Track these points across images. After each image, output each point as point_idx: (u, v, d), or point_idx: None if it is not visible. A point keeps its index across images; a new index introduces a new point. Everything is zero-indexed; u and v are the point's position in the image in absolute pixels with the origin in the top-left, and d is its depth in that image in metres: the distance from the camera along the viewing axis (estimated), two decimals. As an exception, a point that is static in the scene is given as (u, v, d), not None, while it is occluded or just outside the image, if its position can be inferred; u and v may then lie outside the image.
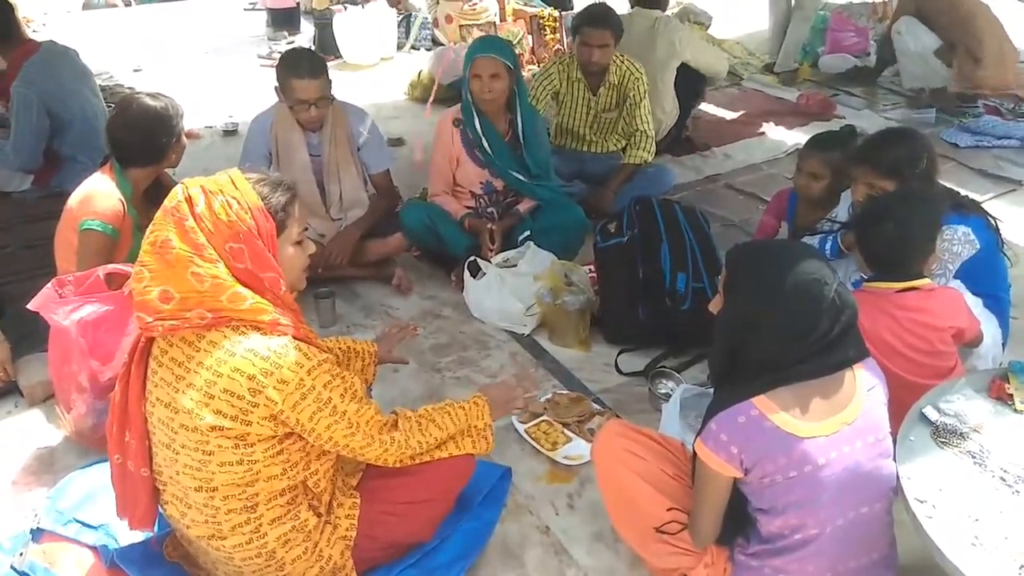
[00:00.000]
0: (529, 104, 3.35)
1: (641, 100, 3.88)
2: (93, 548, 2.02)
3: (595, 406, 2.60)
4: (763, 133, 5.11)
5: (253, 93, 4.99)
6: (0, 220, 3.92)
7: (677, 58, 4.56)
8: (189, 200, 1.70)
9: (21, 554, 2.04)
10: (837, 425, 1.64)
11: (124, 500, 1.87)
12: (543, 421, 2.53)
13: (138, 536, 2.00)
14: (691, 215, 3.01)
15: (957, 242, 2.38)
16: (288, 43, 7.50)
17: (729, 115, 5.47)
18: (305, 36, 7.63)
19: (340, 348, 2.29)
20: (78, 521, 2.09)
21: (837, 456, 1.63)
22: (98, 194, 2.56)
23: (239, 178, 1.73)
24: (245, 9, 9.13)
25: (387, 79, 6.45)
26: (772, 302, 1.62)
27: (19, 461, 2.46)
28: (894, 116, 5.30)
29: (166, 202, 1.74)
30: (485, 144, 3.25)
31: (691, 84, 4.87)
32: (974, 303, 2.46)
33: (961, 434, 1.86)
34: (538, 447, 2.43)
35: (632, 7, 4.73)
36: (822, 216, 2.77)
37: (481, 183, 3.38)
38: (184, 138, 2.78)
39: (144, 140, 2.60)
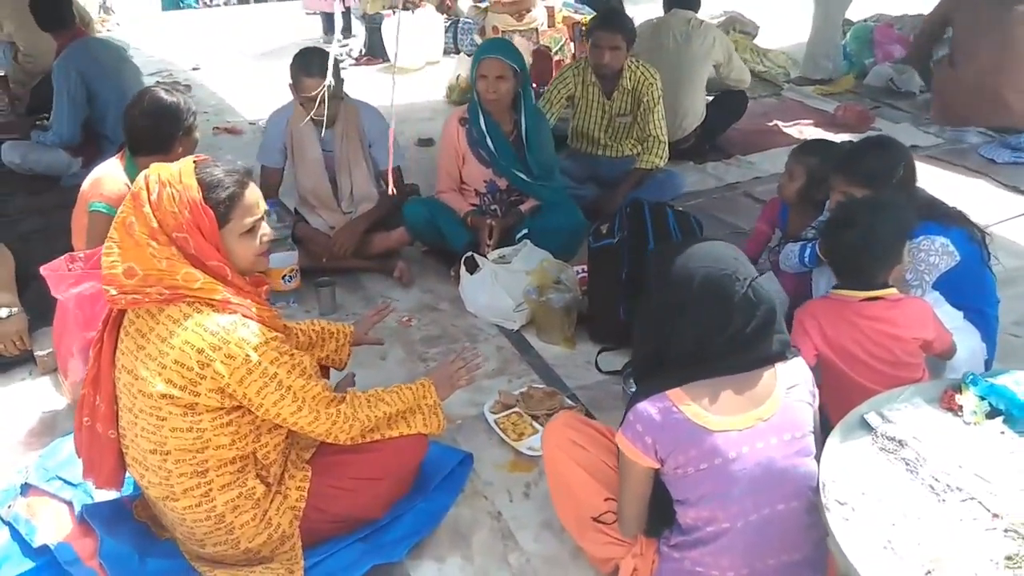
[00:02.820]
0: (534, 106, 3.42)
1: (655, 105, 3.90)
2: (69, 503, 2.16)
3: (568, 401, 2.64)
4: (792, 144, 5.03)
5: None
6: (44, 205, 4.18)
7: (711, 59, 4.62)
8: (147, 187, 1.83)
9: (9, 506, 2.21)
10: (751, 420, 1.66)
11: (91, 461, 2.00)
12: (514, 412, 2.58)
13: (112, 495, 2.14)
14: (682, 219, 3.03)
15: (934, 253, 2.35)
16: (342, 46, 7.75)
17: (762, 124, 5.42)
18: (359, 40, 7.87)
19: (314, 329, 2.39)
20: (60, 478, 2.25)
21: (749, 451, 1.65)
22: (107, 178, 2.73)
23: (188, 171, 1.83)
24: (307, 14, 9.45)
25: (430, 82, 6.61)
26: (683, 298, 1.65)
27: (27, 424, 2.65)
28: (934, 131, 5.18)
29: (133, 186, 1.88)
30: (489, 143, 3.33)
31: (733, 103, 4.91)
32: (952, 315, 2.42)
33: (899, 441, 1.84)
34: (504, 437, 2.49)
35: (667, 10, 4.80)
36: (810, 223, 2.75)
37: (485, 181, 3.46)
38: (195, 134, 2.90)
39: (153, 129, 2.76)
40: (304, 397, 1.89)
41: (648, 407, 1.67)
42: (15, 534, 2.12)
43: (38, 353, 2.88)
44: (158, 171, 1.85)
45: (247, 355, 1.79)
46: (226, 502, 1.91)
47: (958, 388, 1.98)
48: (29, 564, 2.03)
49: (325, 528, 2.06)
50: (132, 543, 2.03)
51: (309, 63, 3.20)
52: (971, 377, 1.98)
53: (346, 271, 3.46)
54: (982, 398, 1.94)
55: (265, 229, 1.97)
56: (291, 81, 3.27)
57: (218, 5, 11.10)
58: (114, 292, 1.82)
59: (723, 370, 1.67)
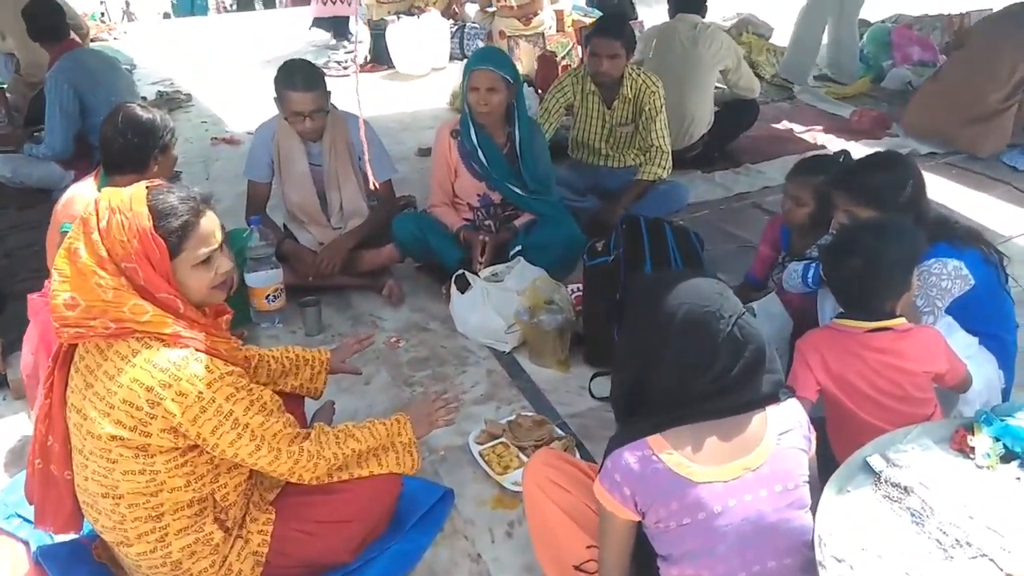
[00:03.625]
0: (529, 118, 3.29)
1: (657, 114, 3.76)
2: (26, 543, 2.06)
3: (558, 431, 2.51)
4: (806, 151, 4.87)
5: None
6: (35, 219, 4.09)
7: (719, 64, 4.49)
8: (97, 212, 1.71)
9: (-32, 543, 2.12)
10: (738, 470, 1.51)
11: (44, 507, 1.89)
12: (500, 443, 2.45)
13: (71, 536, 2.04)
14: (682, 236, 2.88)
15: (947, 277, 2.19)
16: (347, 52, 7.65)
17: (774, 131, 5.26)
18: (364, 46, 7.75)
19: (287, 357, 2.28)
20: (19, 515, 2.15)
21: (736, 505, 1.50)
22: (79, 198, 2.63)
23: (139, 198, 1.71)
24: (311, 27, 9.38)
25: (435, 89, 6.48)
26: (664, 335, 1.51)
27: (-4, 452, 2.56)
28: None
29: (82, 211, 1.77)
30: (481, 156, 3.21)
31: (742, 113, 4.77)
32: (967, 343, 2.27)
33: (905, 488, 1.69)
34: (488, 470, 2.36)
35: (672, 16, 4.67)
36: (814, 242, 2.60)
37: (478, 195, 3.34)
38: (172, 153, 2.79)
39: (126, 147, 2.65)
40: (263, 435, 1.77)
41: (627, 455, 1.53)
42: (-30, 575, 2.03)
43: (12, 377, 2.78)
44: (108, 196, 1.74)
45: (200, 392, 1.68)
46: (182, 548, 1.80)
47: (970, 428, 1.83)
48: (-19, 608, 1.94)
49: (291, 573, 1.94)
50: (89, 587, 1.92)
51: (293, 77, 3.09)
52: (984, 416, 1.83)
53: (334, 289, 3.35)
54: (996, 439, 1.79)
55: (222, 261, 1.83)
56: (275, 95, 3.16)
57: (233, 10, 11.06)
58: (57, 324, 1.71)
59: (707, 414, 1.52)
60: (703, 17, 4.64)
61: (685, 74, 4.43)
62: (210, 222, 1.80)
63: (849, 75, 6.14)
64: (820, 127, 5.26)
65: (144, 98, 6.12)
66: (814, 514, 1.58)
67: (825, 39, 6.19)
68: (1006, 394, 2.36)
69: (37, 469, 1.86)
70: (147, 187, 1.76)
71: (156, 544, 1.78)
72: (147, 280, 1.70)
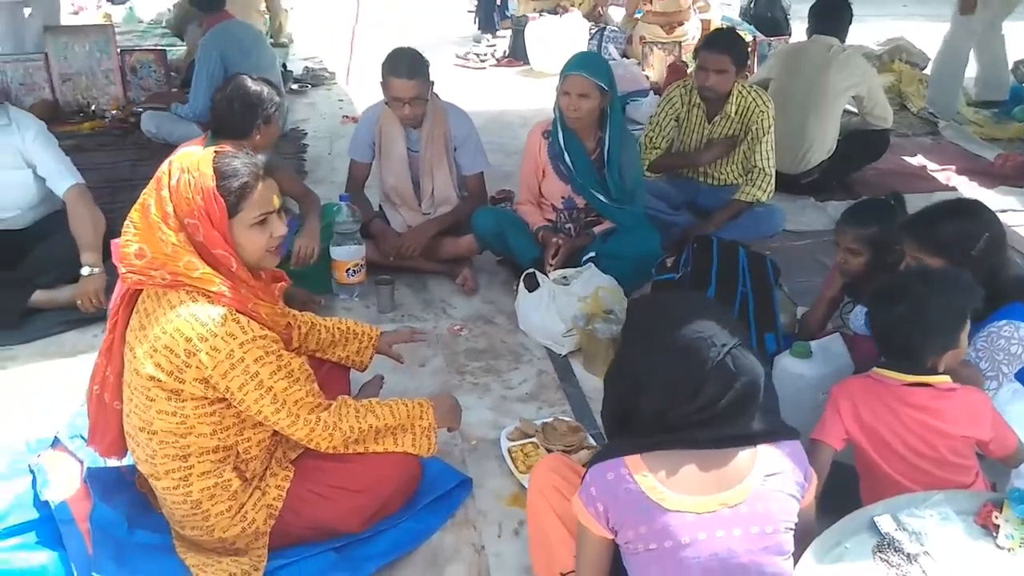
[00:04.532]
0: (622, 126, 3.27)
1: (764, 135, 3.64)
2: (82, 463, 2.28)
3: (590, 440, 2.50)
4: (935, 191, 4.57)
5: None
6: (149, 175, 4.42)
7: (850, 91, 4.30)
8: (169, 172, 1.88)
9: (39, 456, 2.36)
10: (714, 505, 1.48)
11: (95, 429, 2.09)
12: (530, 442, 2.48)
13: (123, 462, 2.23)
14: (756, 262, 2.80)
15: (1018, 342, 2.03)
16: (489, 46, 7.82)
17: (907, 165, 4.96)
18: (505, 41, 7.88)
19: (339, 328, 2.39)
20: (82, 437, 2.36)
21: (706, 539, 1.47)
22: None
23: (206, 160, 1.86)
24: (468, 11, 9.62)
25: (564, 88, 6.51)
26: (654, 357, 1.49)
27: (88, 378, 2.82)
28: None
29: (159, 169, 1.94)
30: (567, 159, 3.22)
31: (871, 144, 4.55)
32: (1035, 415, 2.09)
33: (909, 556, 1.60)
34: (512, 467, 2.39)
35: (809, 35, 4.51)
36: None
37: (563, 197, 3.35)
38: (276, 126, 2.99)
39: (232, 114, 2.86)
40: (285, 399, 1.88)
41: (604, 472, 1.53)
42: (34, 483, 2.25)
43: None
44: (180, 158, 1.90)
45: (231, 350, 1.80)
46: (202, 489, 1.93)
47: (1000, 504, 1.70)
48: (34, 515, 2.15)
49: (299, 532, 2.05)
50: (126, 512, 2.09)
51: (398, 64, 3.22)
52: (1017, 493, 1.69)
53: (414, 272, 3.46)
54: (1024, 521, 1.65)
55: (277, 225, 1.96)
56: (381, 80, 3.29)
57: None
58: (123, 270, 1.88)
59: (689, 443, 1.50)
60: (842, 40, 4.43)
61: (810, 97, 4.26)
62: (269, 187, 1.93)
63: (1002, 89, 5.71)
64: (954, 167, 4.90)
65: (291, 72, 6.52)
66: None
67: (973, 69, 5.76)
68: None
69: (95, 394, 2.06)
70: (215, 151, 1.91)
71: (180, 482, 1.92)
72: (206, 236, 1.84)
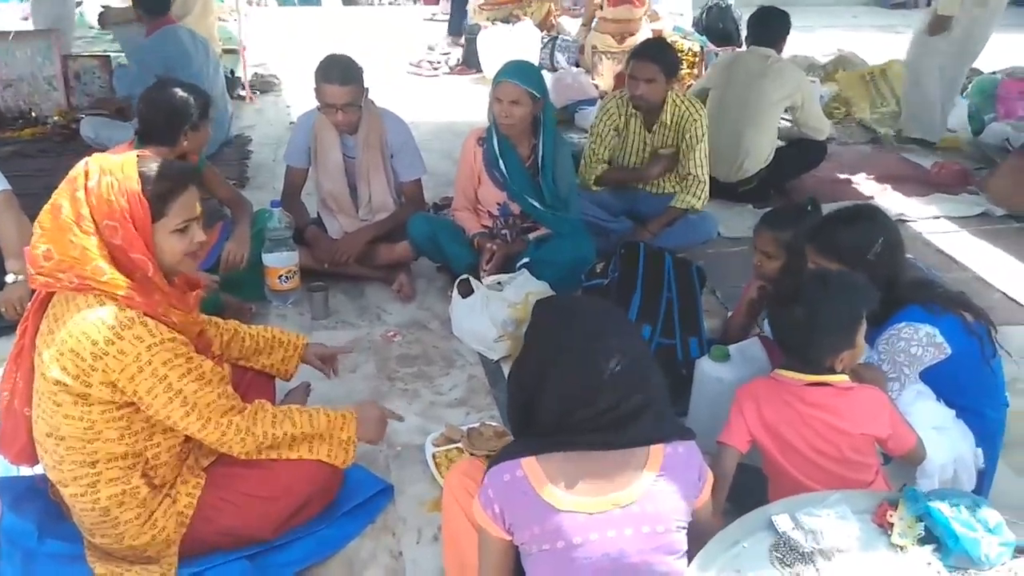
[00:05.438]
0: (555, 133, 3.30)
1: (698, 143, 3.69)
2: (-7, 473, 2.24)
3: (515, 444, 2.51)
4: (871, 198, 4.68)
5: (380, 96, 5.27)
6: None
7: (784, 102, 4.37)
8: (87, 173, 1.86)
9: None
10: (606, 505, 1.50)
11: (5, 436, 2.05)
12: (455, 448, 2.48)
13: (37, 471, 2.19)
14: (682, 268, 2.84)
15: (917, 343, 2.08)
16: (443, 53, 7.84)
17: (844, 173, 5.06)
18: (459, 49, 7.91)
19: (264, 336, 2.38)
20: (-8, 447, 2.32)
21: (598, 539, 1.49)
22: (108, 162, 2.83)
23: (130, 163, 1.85)
24: (424, 19, 9.66)
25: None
26: (551, 362, 1.51)
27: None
28: None
29: (71, 171, 1.92)
30: (502, 166, 3.24)
31: (808, 153, 4.65)
32: (941, 414, 2.15)
33: (803, 554, 1.63)
34: (435, 473, 2.40)
35: (748, 46, 4.60)
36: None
37: (498, 204, 3.37)
38: (205, 132, 2.97)
39: (157, 120, 2.84)
40: (196, 402, 1.87)
41: (501, 473, 1.54)
42: (-57, 494, 2.21)
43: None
44: (99, 160, 1.89)
45: (138, 353, 1.79)
46: (110, 496, 1.91)
47: (895, 503, 1.74)
48: (-59, 529, 2.10)
49: (211, 540, 2.03)
50: (36, 521, 2.05)
51: (330, 71, 3.21)
52: (911, 492, 1.73)
53: (350, 278, 3.46)
54: (918, 519, 1.69)
55: (198, 232, 1.96)
56: (315, 86, 3.29)
57: (370, 4, 11.37)
58: (32, 271, 1.86)
59: (585, 445, 1.51)
60: (779, 52, 4.51)
61: (746, 107, 4.33)
62: (192, 194, 1.93)
63: (933, 131, 5.62)
64: (894, 175, 5.01)
65: (239, 78, 6.47)
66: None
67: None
68: (984, 477, 2.21)
69: (5, 400, 2.02)
70: (138, 155, 1.90)
71: (87, 488, 1.89)
72: (125, 239, 1.82)
